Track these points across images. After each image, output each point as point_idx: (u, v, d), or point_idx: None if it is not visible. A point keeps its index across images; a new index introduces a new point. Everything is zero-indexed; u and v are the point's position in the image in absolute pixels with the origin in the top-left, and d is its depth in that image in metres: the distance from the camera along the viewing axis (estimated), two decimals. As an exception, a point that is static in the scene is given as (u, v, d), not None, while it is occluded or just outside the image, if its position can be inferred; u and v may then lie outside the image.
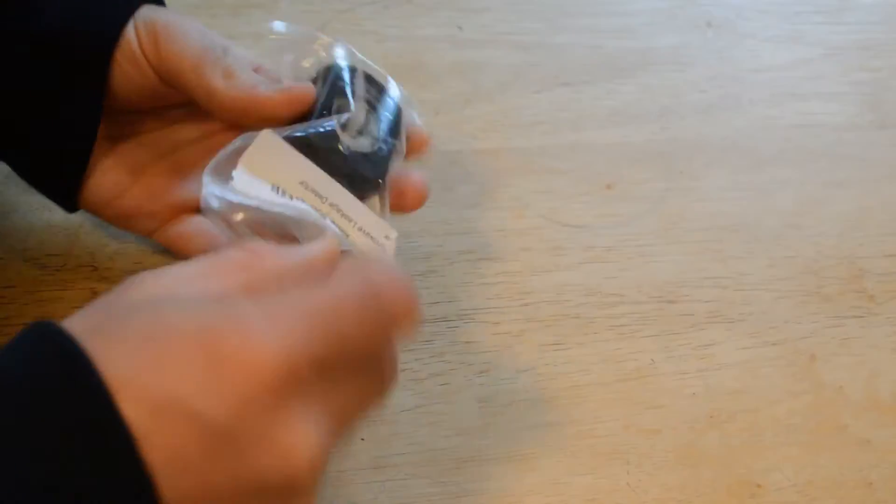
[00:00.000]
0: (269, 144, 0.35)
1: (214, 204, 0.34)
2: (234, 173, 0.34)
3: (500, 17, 0.57)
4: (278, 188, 0.36)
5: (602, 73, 0.55)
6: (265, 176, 0.35)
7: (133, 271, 0.43)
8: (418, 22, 0.55)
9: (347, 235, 0.36)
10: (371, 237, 0.37)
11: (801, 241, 0.49)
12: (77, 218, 0.45)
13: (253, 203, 0.34)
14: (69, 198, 0.39)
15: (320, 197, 0.36)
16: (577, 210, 0.49)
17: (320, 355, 0.24)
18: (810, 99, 0.56)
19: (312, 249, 0.29)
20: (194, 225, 0.41)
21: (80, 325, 0.23)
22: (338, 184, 0.36)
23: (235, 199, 0.34)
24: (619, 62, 0.56)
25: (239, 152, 0.35)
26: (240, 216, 0.34)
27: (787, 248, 0.48)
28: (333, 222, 0.36)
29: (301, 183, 0.36)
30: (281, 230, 0.35)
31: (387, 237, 0.37)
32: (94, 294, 0.43)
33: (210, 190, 0.34)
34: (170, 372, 0.22)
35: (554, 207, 0.49)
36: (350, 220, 0.37)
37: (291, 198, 0.36)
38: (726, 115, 0.54)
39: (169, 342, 0.23)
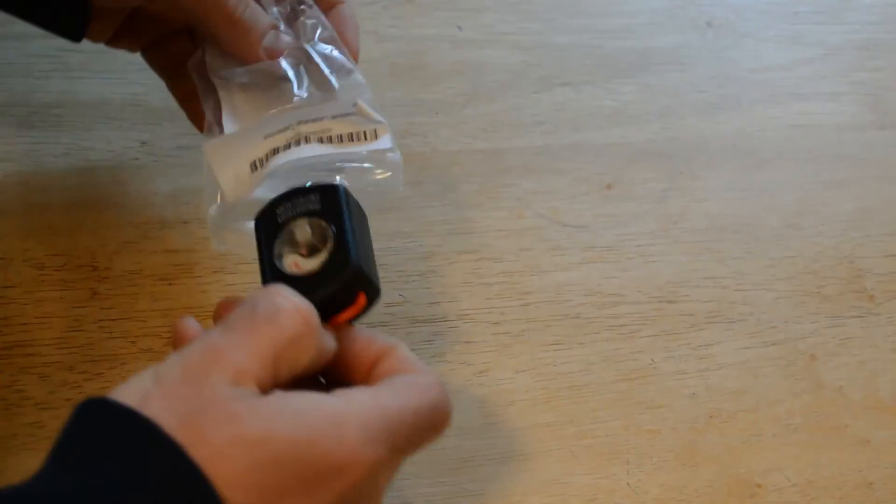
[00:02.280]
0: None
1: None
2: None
3: (500, 17, 0.57)
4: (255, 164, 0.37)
5: (602, 73, 0.55)
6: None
7: (133, 271, 0.43)
8: (418, 22, 0.55)
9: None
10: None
11: (801, 241, 0.49)
12: (77, 218, 0.45)
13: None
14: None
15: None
16: (577, 210, 0.49)
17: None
18: (810, 99, 0.56)
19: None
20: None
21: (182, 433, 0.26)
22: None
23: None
24: (619, 62, 0.56)
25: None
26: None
27: (787, 248, 0.48)
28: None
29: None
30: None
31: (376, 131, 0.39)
32: (95, 294, 0.43)
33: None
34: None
35: (554, 207, 0.49)
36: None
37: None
38: (726, 115, 0.54)
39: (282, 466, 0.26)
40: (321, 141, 0.38)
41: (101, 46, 0.52)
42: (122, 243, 0.44)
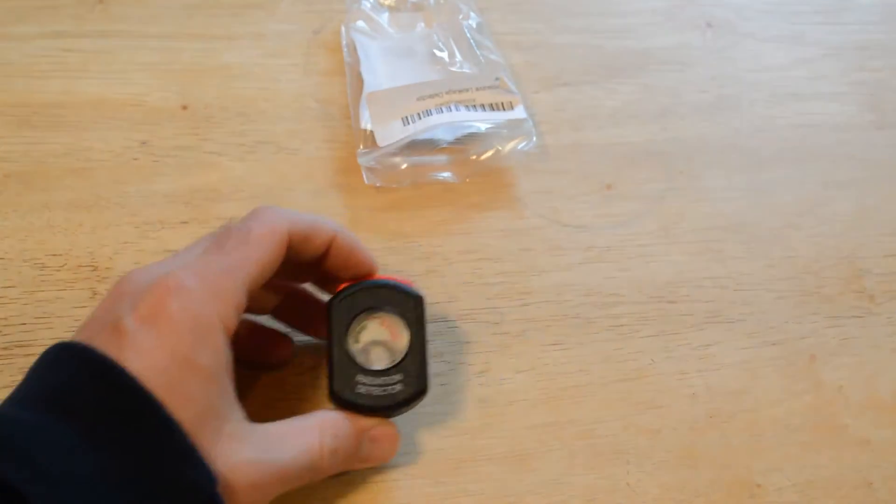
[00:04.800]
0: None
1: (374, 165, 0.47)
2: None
3: (500, 17, 0.57)
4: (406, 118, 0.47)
5: (602, 73, 0.55)
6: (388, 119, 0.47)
7: (133, 271, 0.43)
8: (418, 22, 0.55)
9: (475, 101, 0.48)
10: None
11: (801, 241, 0.49)
12: (77, 218, 0.45)
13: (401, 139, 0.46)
14: None
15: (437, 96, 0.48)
16: (577, 210, 0.49)
17: None
18: (810, 99, 0.56)
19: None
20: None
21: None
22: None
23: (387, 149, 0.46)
24: (619, 62, 0.56)
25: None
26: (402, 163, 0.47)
27: (786, 248, 0.48)
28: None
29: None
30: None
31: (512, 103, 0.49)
32: (95, 294, 0.43)
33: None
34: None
35: (554, 207, 0.49)
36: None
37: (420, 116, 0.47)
38: (726, 115, 0.54)
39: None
40: (467, 107, 0.48)
41: (102, 45, 0.52)
42: (122, 243, 0.44)
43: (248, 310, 0.35)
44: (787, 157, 0.53)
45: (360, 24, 0.53)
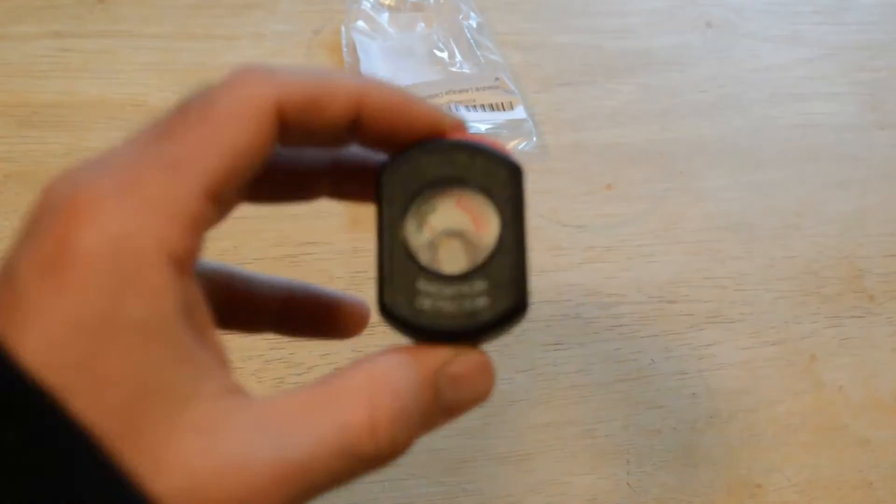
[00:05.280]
0: None
1: None
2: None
3: (500, 17, 0.57)
4: None
5: (602, 73, 0.55)
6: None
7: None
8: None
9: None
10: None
11: (801, 241, 0.49)
12: (77, 218, 0.45)
13: None
14: None
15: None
16: (577, 210, 0.49)
17: None
18: (810, 99, 0.55)
19: None
20: None
21: None
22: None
23: None
24: (619, 62, 0.56)
25: None
26: None
27: (786, 248, 0.48)
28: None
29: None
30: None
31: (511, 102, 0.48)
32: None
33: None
34: None
35: (554, 207, 0.49)
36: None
37: None
38: (726, 115, 0.54)
39: None
40: (467, 108, 0.48)
41: (102, 45, 0.52)
42: (122, 243, 0.44)
43: (257, 199, 0.25)
44: (788, 157, 0.53)
45: (360, 24, 0.53)
